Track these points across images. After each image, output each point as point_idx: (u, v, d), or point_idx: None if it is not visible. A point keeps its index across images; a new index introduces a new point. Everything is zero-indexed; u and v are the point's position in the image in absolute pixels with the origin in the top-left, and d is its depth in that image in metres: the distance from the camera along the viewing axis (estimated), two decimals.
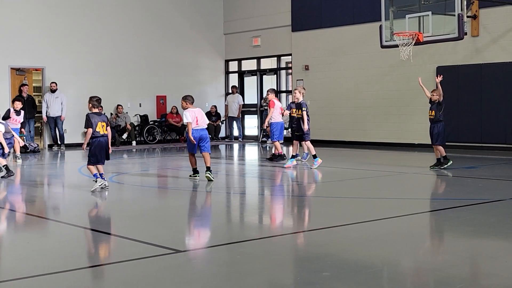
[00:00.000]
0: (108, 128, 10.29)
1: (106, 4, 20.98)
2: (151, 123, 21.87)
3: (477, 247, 6.17)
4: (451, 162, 12.58)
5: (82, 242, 6.54)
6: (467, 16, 15.41)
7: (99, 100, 10.39)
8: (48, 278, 5.08)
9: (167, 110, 22.43)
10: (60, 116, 19.51)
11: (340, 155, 16.77)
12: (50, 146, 19.82)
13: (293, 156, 13.47)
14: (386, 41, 15.13)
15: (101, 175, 10.02)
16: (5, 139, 12.73)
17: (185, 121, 10.92)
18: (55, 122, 19.57)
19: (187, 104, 11.00)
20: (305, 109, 13.04)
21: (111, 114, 20.98)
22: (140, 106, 21.96)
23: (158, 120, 22.21)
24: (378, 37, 15.37)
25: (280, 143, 14.46)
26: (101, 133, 10.15)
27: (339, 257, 5.70)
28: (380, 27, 15.19)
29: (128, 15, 21.44)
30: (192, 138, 10.76)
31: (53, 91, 19.40)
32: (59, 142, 19.57)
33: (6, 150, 12.47)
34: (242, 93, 23.75)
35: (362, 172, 12.45)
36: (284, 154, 14.60)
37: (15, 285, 4.94)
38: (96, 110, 10.30)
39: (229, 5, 23.81)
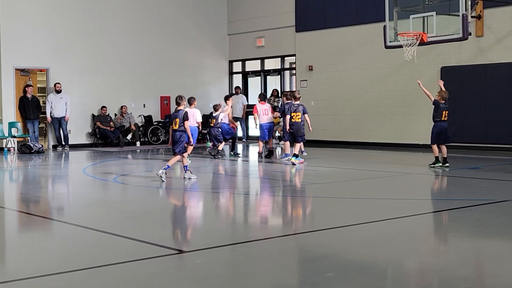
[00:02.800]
0: (186, 122, 11.34)
1: (110, 5, 21.01)
2: (155, 123, 21.89)
3: (481, 247, 6.16)
4: (438, 165, 12.75)
5: (86, 242, 6.55)
6: (472, 16, 15.38)
7: (181, 97, 11.49)
8: (51, 278, 5.09)
9: (171, 111, 22.44)
10: (64, 116, 19.55)
11: (343, 155, 16.75)
12: (54, 147, 19.86)
13: (294, 155, 14.13)
14: (390, 41, 15.11)
15: (168, 167, 11.51)
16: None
17: None
18: (59, 122, 19.60)
19: None
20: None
21: (115, 114, 21.01)
22: (144, 106, 21.99)
23: (162, 120, 22.22)
24: (382, 37, 15.35)
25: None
26: (173, 127, 11.52)
27: (343, 258, 5.69)
28: (384, 27, 15.18)
29: (132, 16, 21.47)
30: None
31: (58, 91, 19.44)
32: (63, 143, 19.61)
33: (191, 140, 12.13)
34: (246, 94, 23.75)
35: (365, 172, 12.44)
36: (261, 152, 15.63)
37: (19, 285, 4.95)
38: (180, 108, 11.42)
39: (232, 6, 23.82)
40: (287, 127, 14.22)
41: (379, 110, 19.28)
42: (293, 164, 13.63)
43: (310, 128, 14.67)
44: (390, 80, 18.96)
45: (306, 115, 14.24)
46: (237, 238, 6.69)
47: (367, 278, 4.99)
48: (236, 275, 5.23)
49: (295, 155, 13.97)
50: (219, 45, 23.81)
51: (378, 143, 19.15)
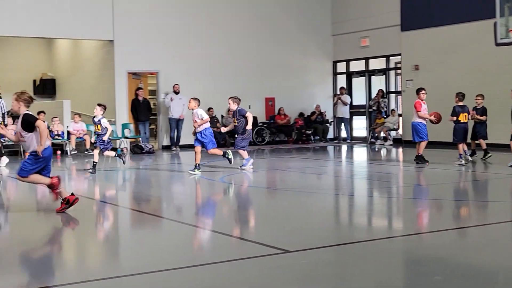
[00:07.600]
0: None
1: (218, 10, 21.43)
2: (260, 124, 22.17)
3: None
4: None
5: (194, 240, 6.78)
6: None
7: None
8: (161, 274, 5.32)
9: (275, 112, 22.68)
10: (182, 116, 19.94)
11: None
12: (164, 148, 20.43)
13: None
14: (501, 38, 14.60)
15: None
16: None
17: None
18: (177, 123, 20.08)
19: None
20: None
21: (222, 116, 21.45)
22: (249, 108, 22.31)
23: (267, 121, 22.49)
24: (492, 34, 14.84)
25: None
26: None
27: (451, 261, 5.58)
28: (495, 24, 14.68)
29: (238, 20, 21.84)
30: None
31: (176, 92, 20.00)
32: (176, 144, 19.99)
33: None
34: (350, 94, 23.60)
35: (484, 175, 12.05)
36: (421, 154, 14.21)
37: (130, 280, 5.20)
38: (460, 103, 14.04)
39: (337, 7, 23.72)
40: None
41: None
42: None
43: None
44: (501, 79, 18.24)
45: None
46: (343, 239, 6.70)
47: (476, 284, 4.88)
48: (341, 275, 5.26)
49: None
50: (323, 46, 23.79)
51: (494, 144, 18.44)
